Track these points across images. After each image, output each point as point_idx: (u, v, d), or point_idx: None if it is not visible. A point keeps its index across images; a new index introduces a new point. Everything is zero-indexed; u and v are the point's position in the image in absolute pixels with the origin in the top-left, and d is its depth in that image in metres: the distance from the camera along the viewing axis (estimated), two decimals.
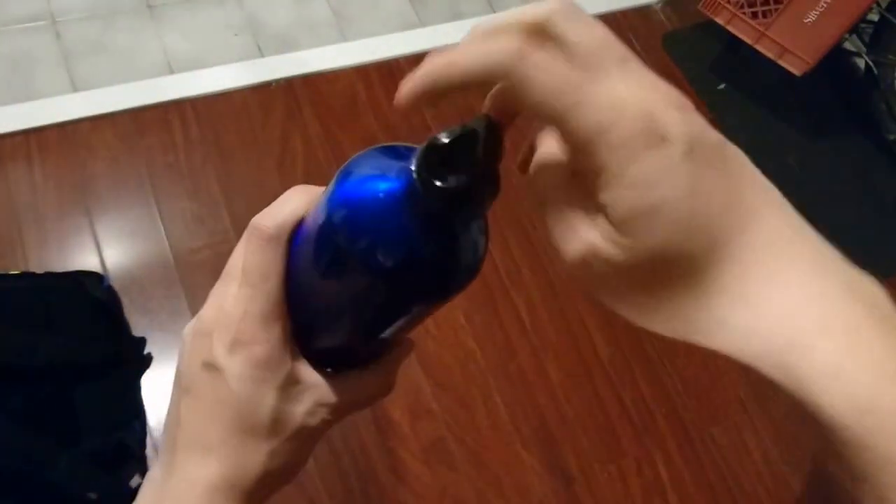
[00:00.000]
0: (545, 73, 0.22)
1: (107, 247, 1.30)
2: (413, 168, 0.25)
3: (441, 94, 0.24)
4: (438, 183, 0.25)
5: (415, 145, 0.28)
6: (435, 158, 0.25)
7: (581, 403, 1.40)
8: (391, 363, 0.35)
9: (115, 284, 1.25)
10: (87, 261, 1.27)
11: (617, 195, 0.22)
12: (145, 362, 1.20)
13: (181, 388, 0.32)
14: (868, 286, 0.22)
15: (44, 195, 1.31)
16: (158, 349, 1.22)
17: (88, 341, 1.13)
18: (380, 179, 0.27)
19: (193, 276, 1.29)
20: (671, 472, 1.38)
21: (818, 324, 0.21)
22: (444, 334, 1.39)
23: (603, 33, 0.23)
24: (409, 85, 0.24)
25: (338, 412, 0.32)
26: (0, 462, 0.92)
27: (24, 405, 0.99)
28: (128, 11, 1.55)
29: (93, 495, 0.98)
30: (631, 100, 0.21)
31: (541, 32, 0.22)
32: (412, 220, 0.26)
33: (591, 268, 0.23)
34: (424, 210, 0.26)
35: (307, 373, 0.32)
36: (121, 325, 1.22)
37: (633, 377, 1.44)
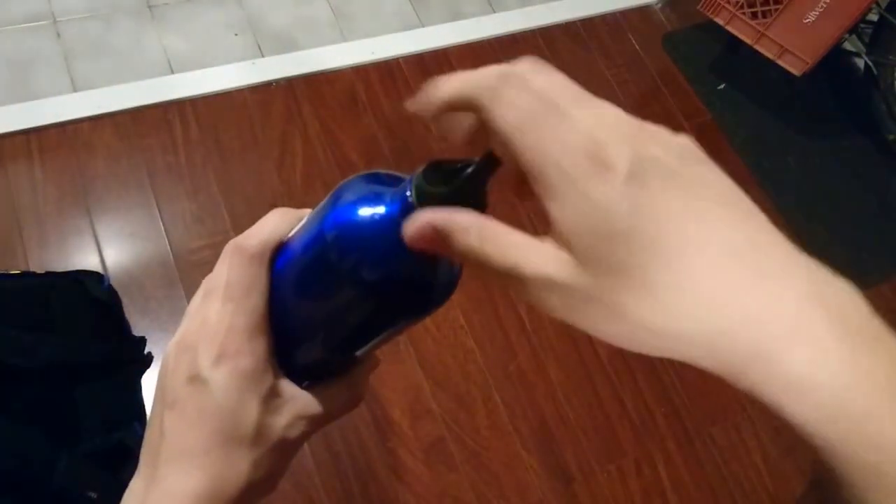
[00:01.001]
0: (510, 108, 0.25)
1: (107, 246, 1.30)
2: (410, 191, 0.27)
3: (434, 110, 0.28)
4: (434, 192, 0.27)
5: (399, 174, 0.30)
6: (432, 178, 0.27)
7: (581, 404, 1.40)
8: (361, 376, 0.36)
9: (116, 284, 1.25)
10: (87, 260, 1.27)
11: (563, 216, 0.24)
12: (145, 362, 1.20)
13: (165, 402, 0.32)
14: (837, 293, 0.23)
15: (44, 195, 1.31)
16: (158, 349, 1.22)
17: (89, 341, 1.13)
18: (376, 201, 0.29)
19: (193, 275, 1.30)
20: (671, 473, 1.38)
21: (779, 332, 0.21)
22: (444, 334, 1.39)
23: (561, 78, 0.26)
24: (414, 99, 0.28)
25: (313, 424, 0.33)
26: (1, 461, 0.92)
27: (25, 405, 0.99)
28: (128, 11, 1.55)
29: (93, 495, 0.98)
30: (581, 130, 0.24)
31: (511, 77, 0.25)
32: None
33: (548, 290, 0.25)
34: None
35: (287, 386, 0.33)
36: (121, 324, 1.23)
37: (632, 377, 1.44)
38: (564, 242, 0.24)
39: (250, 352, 0.31)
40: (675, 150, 0.25)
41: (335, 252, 0.29)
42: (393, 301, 0.30)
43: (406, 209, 0.27)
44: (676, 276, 0.23)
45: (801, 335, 0.21)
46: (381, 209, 0.28)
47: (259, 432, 0.31)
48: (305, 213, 0.33)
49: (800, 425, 0.21)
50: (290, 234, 0.33)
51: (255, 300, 0.32)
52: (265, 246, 0.32)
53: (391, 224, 0.28)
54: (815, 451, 0.21)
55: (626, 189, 0.23)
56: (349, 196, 0.30)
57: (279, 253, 0.33)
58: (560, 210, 0.24)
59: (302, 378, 0.34)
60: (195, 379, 0.31)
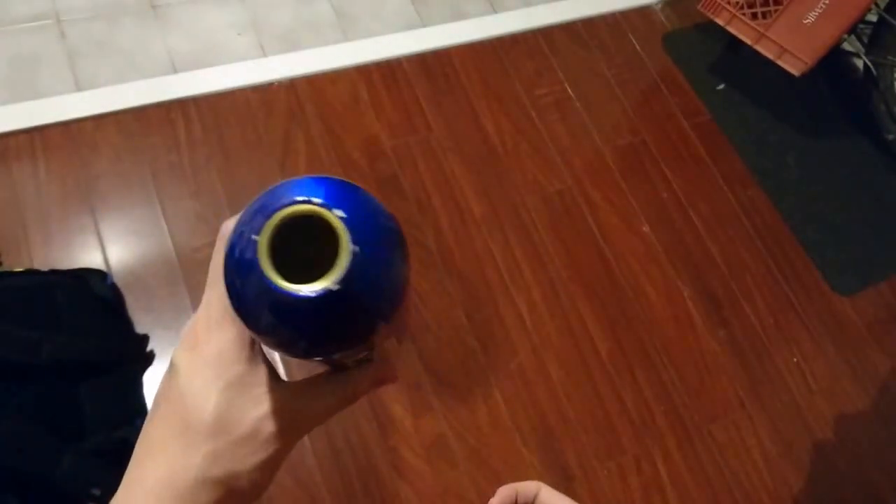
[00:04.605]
0: None
1: (110, 245, 1.30)
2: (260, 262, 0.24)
3: None
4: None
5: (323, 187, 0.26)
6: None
7: (581, 401, 1.41)
8: (358, 380, 0.34)
9: (119, 282, 1.26)
10: (90, 259, 1.28)
11: None
12: (148, 360, 1.21)
13: None
14: None
15: (48, 193, 1.32)
16: (161, 347, 1.23)
17: (92, 339, 1.14)
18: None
19: (196, 274, 1.30)
20: (670, 470, 1.39)
21: None
22: (445, 332, 1.40)
23: None
24: None
25: (297, 421, 0.32)
26: (5, 458, 0.92)
27: (29, 402, 1.00)
28: (132, 11, 1.56)
29: (96, 491, 0.98)
30: None
31: None
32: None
33: None
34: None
35: (266, 377, 0.31)
36: (124, 322, 1.23)
37: (632, 375, 1.45)
38: None
39: (217, 338, 0.30)
40: None
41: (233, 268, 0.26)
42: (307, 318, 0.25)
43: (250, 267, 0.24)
44: None
45: None
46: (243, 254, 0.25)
47: (220, 421, 0.30)
48: None
49: None
50: None
51: (223, 287, 0.30)
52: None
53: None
54: None
55: None
56: (257, 202, 0.26)
57: None
58: None
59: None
60: (171, 368, 0.31)
